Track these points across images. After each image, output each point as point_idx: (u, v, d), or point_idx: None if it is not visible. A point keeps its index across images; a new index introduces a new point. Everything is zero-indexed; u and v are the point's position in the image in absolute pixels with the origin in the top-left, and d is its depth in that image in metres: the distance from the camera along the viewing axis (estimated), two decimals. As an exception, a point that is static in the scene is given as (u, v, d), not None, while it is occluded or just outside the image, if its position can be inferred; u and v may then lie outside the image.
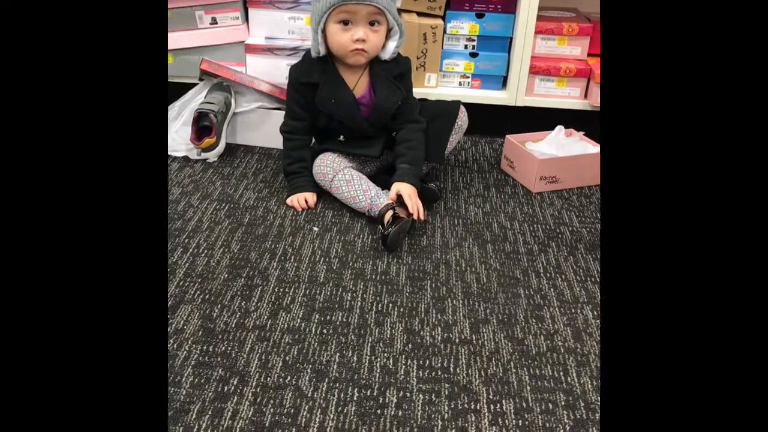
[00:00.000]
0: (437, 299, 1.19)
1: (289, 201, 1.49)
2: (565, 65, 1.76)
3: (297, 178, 1.51)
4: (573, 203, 1.54)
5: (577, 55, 1.80)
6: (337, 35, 1.39)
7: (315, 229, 1.40)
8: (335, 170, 1.46)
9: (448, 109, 1.56)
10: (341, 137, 1.50)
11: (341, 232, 1.39)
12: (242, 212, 1.45)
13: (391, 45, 1.44)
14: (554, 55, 1.79)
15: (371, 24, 1.39)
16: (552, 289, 1.23)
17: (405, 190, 1.39)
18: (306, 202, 1.48)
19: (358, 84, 1.47)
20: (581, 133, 1.70)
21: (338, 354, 1.05)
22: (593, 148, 1.66)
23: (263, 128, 1.72)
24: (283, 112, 1.60)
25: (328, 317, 1.13)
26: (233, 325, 1.10)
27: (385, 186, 1.44)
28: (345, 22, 1.38)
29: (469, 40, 1.78)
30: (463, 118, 1.57)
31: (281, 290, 1.20)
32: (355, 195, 1.44)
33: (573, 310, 1.18)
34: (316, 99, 1.45)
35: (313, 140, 1.56)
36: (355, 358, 1.04)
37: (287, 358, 1.04)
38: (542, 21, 1.73)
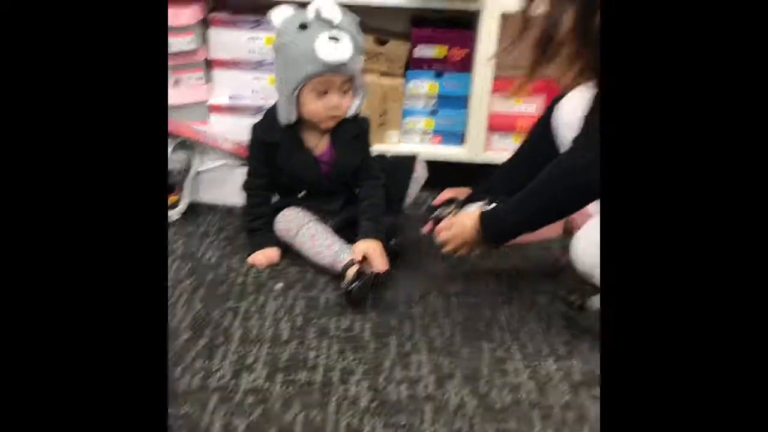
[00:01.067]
0: (402, 355, 1.19)
1: (250, 259, 1.49)
2: (521, 122, 1.82)
3: (259, 234, 1.51)
4: (533, 255, 1.57)
5: (532, 112, 1.86)
6: (313, 104, 1.42)
7: (278, 286, 1.40)
8: (299, 225, 1.47)
9: (405, 163, 1.61)
10: (302, 193, 1.52)
11: (305, 288, 1.39)
12: (205, 270, 1.44)
13: (355, 103, 1.48)
14: (511, 112, 1.85)
15: (343, 90, 1.43)
16: (515, 342, 1.25)
17: (369, 246, 1.40)
18: (268, 258, 1.48)
19: (320, 144, 1.50)
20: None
21: (303, 414, 1.04)
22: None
23: (226, 186, 1.73)
24: (241, 168, 1.62)
25: (292, 376, 1.12)
26: (195, 386, 1.08)
27: (351, 240, 1.45)
28: (321, 92, 1.41)
29: (429, 98, 1.83)
30: (420, 171, 1.61)
31: (244, 349, 1.18)
32: (318, 250, 1.44)
33: (536, 363, 1.19)
34: (277, 158, 1.47)
35: (276, 196, 1.57)
36: (319, 418, 1.03)
37: (251, 418, 1.02)
38: (499, 80, 1.79)
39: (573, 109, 1.25)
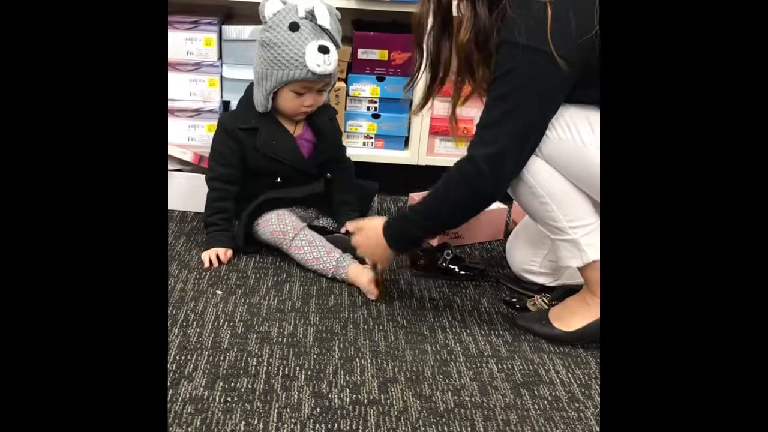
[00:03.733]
0: (345, 359, 1.18)
1: (203, 255, 1.47)
2: (462, 126, 1.83)
3: (215, 231, 1.49)
4: (474, 259, 1.58)
5: (473, 116, 1.88)
6: (290, 101, 1.46)
7: (219, 292, 1.37)
8: (296, 229, 1.46)
9: (368, 191, 1.64)
10: (278, 179, 1.51)
11: (246, 294, 1.37)
12: (141, 277, 1.39)
13: (325, 96, 1.54)
14: (449, 113, 1.86)
15: (319, 90, 1.47)
16: (458, 344, 1.25)
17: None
18: (218, 258, 1.46)
19: (297, 128, 1.52)
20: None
21: (243, 422, 1.01)
22: (495, 205, 1.72)
23: (164, 190, 1.68)
24: (185, 173, 1.58)
25: (233, 384, 1.10)
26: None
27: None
28: (299, 93, 1.44)
29: (371, 102, 1.83)
30: (377, 202, 1.69)
31: (183, 358, 1.15)
32: (318, 256, 1.43)
33: (479, 364, 1.20)
34: (257, 143, 1.46)
35: (262, 197, 1.52)
36: (261, 426, 1.01)
37: (190, 429, 0.99)
38: (440, 84, 1.81)
39: None
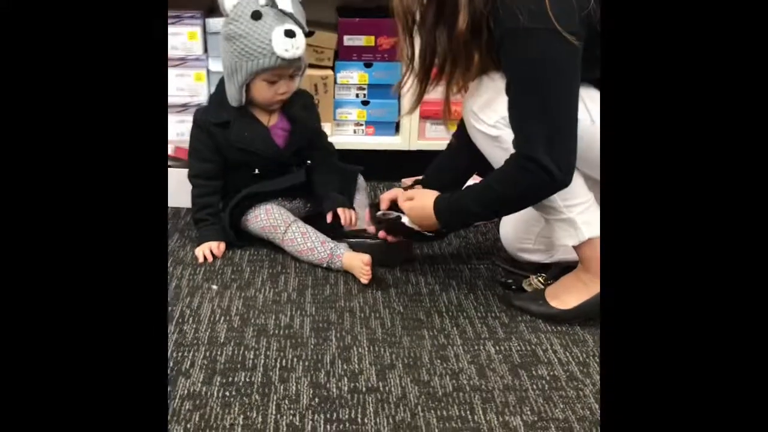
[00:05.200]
0: (342, 348, 1.18)
1: (197, 251, 1.47)
2: (453, 109, 1.82)
3: (205, 226, 1.49)
4: (470, 241, 1.58)
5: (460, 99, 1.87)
6: (263, 91, 1.44)
7: (214, 287, 1.36)
8: (287, 222, 1.46)
9: (351, 174, 1.62)
10: (256, 170, 1.50)
11: (241, 288, 1.36)
12: (136, 276, 1.39)
13: (298, 81, 1.51)
14: (442, 99, 1.84)
15: (290, 76, 1.45)
16: (455, 328, 1.25)
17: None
18: (212, 251, 1.46)
19: (271, 118, 1.51)
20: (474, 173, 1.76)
21: (242, 416, 1.02)
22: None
23: (156, 187, 1.68)
24: (177, 170, 1.57)
25: (230, 378, 1.10)
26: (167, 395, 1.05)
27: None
28: (271, 81, 1.43)
29: (360, 88, 1.82)
30: (361, 181, 1.64)
31: (180, 354, 1.15)
32: (312, 246, 1.43)
33: (476, 347, 1.20)
34: (230, 135, 1.46)
35: (243, 191, 1.51)
36: (260, 419, 1.01)
37: (188, 426, 0.99)
38: (428, 68, 1.79)
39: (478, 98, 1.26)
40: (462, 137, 1.35)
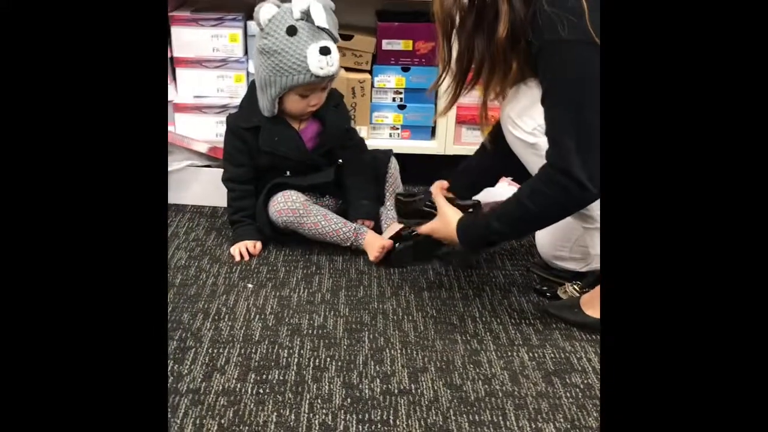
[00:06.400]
0: (375, 350, 1.19)
1: (232, 249, 1.49)
2: (490, 114, 1.82)
3: (241, 226, 1.51)
4: (505, 247, 1.57)
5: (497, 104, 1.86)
6: (296, 104, 1.46)
7: (249, 286, 1.38)
8: (305, 205, 1.47)
9: (381, 158, 1.62)
10: (287, 173, 1.52)
11: (276, 287, 1.38)
12: (174, 273, 1.42)
13: (328, 90, 1.51)
14: (479, 104, 1.84)
15: (323, 88, 1.47)
16: (488, 333, 1.25)
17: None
18: (248, 250, 1.48)
19: (302, 122, 1.52)
20: (509, 178, 1.75)
21: (275, 413, 1.03)
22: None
23: (194, 186, 1.71)
24: (215, 169, 1.60)
25: (264, 376, 1.11)
26: (167, 392, 1.06)
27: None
28: (304, 95, 1.45)
29: (397, 92, 1.82)
30: (393, 167, 1.62)
31: (215, 351, 1.17)
32: (337, 228, 1.47)
33: (509, 353, 1.19)
34: (259, 140, 1.48)
35: (270, 182, 1.53)
36: (292, 417, 1.02)
37: (222, 421, 1.01)
38: (465, 72, 1.79)
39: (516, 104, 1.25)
40: (493, 141, 1.35)
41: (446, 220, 1.28)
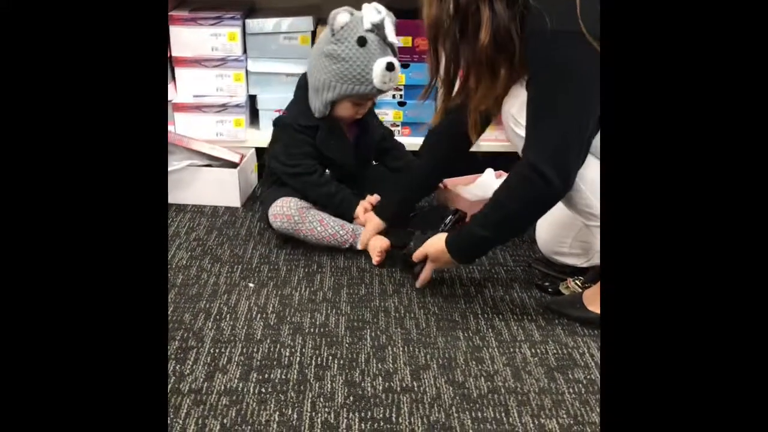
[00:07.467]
0: (377, 348, 1.18)
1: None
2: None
3: (344, 198, 1.51)
4: (506, 243, 1.57)
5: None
6: (347, 110, 1.48)
7: (251, 285, 1.38)
8: (301, 211, 1.47)
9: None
10: (326, 171, 1.54)
11: (278, 286, 1.38)
12: (175, 273, 1.42)
13: None
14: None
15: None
16: (490, 330, 1.24)
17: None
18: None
19: (350, 128, 1.55)
20: (497, 171, 1.75)
21: (278, 413, 1.03)
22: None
23: (194, 186, 1.70)
24: (215, 169, 1.60)
25: (267, 375, 1.11)
26: (168, 390, 1.07)
27: None
28: (357, 103, 1.47)
29: (396, 89, 1.82)
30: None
31: (217, 351, 1.17)
32: (334, 232, 1.47)
33: (512, 349, 1.19)
34: (317, 140, 1.49)
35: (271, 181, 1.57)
36: (295, 416, 1.02)
37: (225, 421, 1.01)
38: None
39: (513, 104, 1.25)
40: (429, 151, 1.43)
41: (436, 248, 1.28)
